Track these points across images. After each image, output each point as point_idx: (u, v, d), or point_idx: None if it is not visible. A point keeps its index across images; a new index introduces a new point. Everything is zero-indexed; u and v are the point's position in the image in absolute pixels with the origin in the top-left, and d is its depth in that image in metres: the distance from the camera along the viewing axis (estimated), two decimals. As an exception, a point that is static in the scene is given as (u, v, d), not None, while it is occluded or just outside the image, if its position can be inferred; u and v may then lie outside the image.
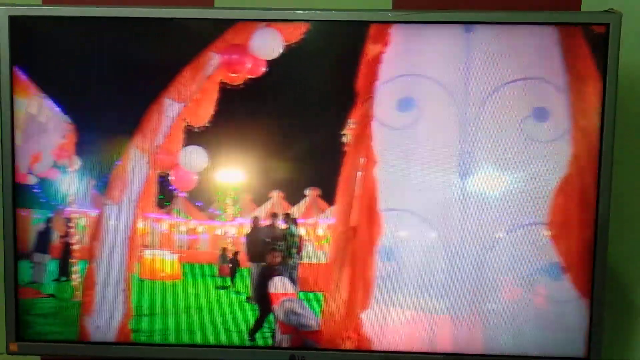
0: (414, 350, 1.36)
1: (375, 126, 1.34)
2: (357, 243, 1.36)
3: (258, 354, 1.39)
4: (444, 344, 1.37)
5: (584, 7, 1.53)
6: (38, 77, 1.34)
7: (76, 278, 1.41)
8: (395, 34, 1.31)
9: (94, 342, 1.39)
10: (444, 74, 1.32)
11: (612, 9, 1.23)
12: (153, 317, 1.39)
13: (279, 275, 1.39)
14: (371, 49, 1.32)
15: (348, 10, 1.34)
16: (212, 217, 1.43)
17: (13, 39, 1.31)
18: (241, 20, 1.31)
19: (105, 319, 1.38)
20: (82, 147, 1.36)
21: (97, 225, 1.38)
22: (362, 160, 1.35)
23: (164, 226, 1.43)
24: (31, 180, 1.39)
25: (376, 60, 1.32)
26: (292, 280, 1.39)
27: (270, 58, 1.32)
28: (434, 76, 1.32)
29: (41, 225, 1.43)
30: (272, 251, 1.40)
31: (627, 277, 1.66)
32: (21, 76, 1.33)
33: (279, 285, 1.38)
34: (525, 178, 1.33)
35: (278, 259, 1.39)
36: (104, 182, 1.37)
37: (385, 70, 1.33)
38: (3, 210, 1.39)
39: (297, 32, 1.31)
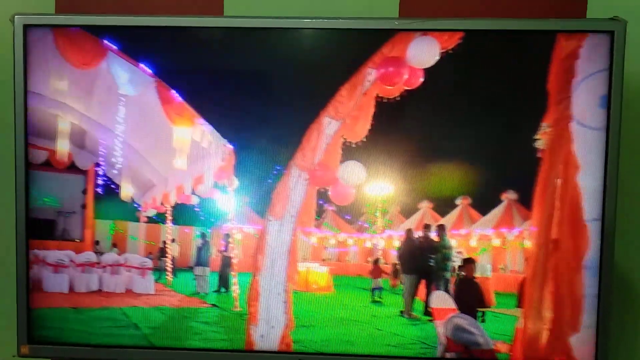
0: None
1: (574, 128, 1.26)
2: (560, 257, 1.28)
3: (266, 359, 1.40)
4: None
5: (589, 15, 1.52)
6: (199, 105, 1.43)
7: (236, 289, 1.50)
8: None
9: (101, 345, 1.44)
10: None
11: (616, 16, 1.22)
12: (311, 328, 1.43)
13: (440, 289, 1.37)
14: (565, 45, 1.25)
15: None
16: (361, 230, 1.45)
17: (24, 51, 1.38)
18: (400, 30, 1.32)
19: (269, 329, 1.43)
20: (240, 168, 1.44)
21: (260, 240, 1.44)
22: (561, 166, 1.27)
23: (315, 239, 1.47)
24: (194, 200, 1.50)
25: (572, 56, 1.25)
26: (458, 295, 1.37)
27: (427, 66, 1.32)
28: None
29: (201, 241, 1.54)
30: (428, 263, 1.38)
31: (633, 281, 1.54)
32: (186, 106, 1.43)
33: (442, 300, 1.36)
34: None
35: (437, 271, 1.38)
36: (263, 199, 1.44)
37: (582, 66, 1.25)
38: (16, 220, 1.47)
39: (454, 38, 1.29)
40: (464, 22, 1.30)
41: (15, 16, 1.40)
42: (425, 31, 1.30)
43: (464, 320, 1.32)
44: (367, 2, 1.59)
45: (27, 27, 1.39)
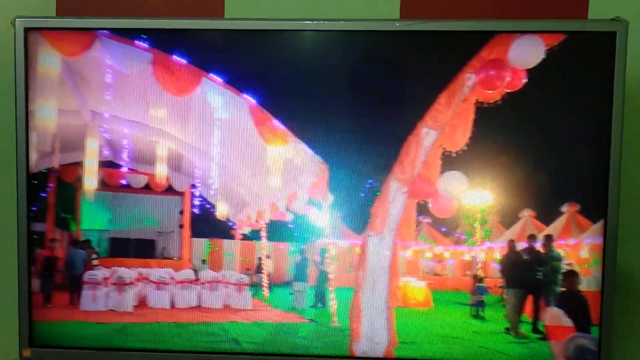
0: None
1: None
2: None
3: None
4: None
5: (590, 16, 1.52)
6: (291, 123, 1.44)
7: (333, 305, 1.50)
8: None
9: (104, 348, 1.45)
10: None
11: (618, 17, 1.22)
12: (414, 345, 1.40)
13: (551, 304, 1.30)
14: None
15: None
16: (458, 242, 1.40)
17: (27, 50, 1.37)
18: (500, 32, 1.28)
19: (372, 346, 1.42)
20: (334, 183, 1.43)
21: (361, 255, 1.42)
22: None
23: (410, 253, 1.45)
24: (288, 217, 1.52)
25: None
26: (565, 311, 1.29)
27: (531, 66, 1.27)
28: None
29: (299, 257, 1.55)
30: (534, 277, 1.32)
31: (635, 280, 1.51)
32: (278, 126, 1.45)
33: (554, 317, 1.29)
34: None
35: (546, 285, 1.31)
36: (358, 214, 1.43)
37: None
38: (17, 229, 1.47)
39: (559, 35, 1.25)
40: (466, 24, 1.29)
41: (16, 19, 1.39)
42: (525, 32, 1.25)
43: (589, 341, 1.24)
44: (368, 3, 1.58)
45: (27, 30, 1.38)
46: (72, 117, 1.51)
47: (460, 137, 1.31)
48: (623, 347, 1.53)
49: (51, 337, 1.49)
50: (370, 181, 1.41)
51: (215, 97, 1.43)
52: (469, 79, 1.29)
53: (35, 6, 1.70)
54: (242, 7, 1.68)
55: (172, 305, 1.61)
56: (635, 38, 1.25)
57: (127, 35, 1.42)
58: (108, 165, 1.55)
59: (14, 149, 1.45)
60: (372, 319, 1.41)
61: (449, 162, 1.33)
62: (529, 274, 1.33)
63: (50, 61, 1.44)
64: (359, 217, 1.42)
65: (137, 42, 1.43)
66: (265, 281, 1.61)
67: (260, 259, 1.60)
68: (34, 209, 1.61)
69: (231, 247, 1.59)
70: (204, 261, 1.62)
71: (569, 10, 1.52)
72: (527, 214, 1.32)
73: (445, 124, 1.32)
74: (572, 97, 1.28)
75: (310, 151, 1.43)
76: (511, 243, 1.34)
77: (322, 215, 1.47)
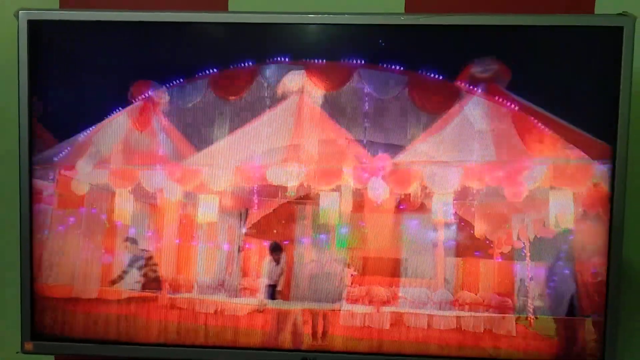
0: None
1: None
2: None
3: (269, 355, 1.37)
4: None
5: (597, 11, 1.50)
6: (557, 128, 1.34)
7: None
8: None
9: (106, 342, 1.40)
10: None
11: (625, 12, 1.23)
12: None
13: None
14: None
15: None
16: None
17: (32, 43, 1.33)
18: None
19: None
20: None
21: None
22: None
23: None
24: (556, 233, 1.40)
25: None
26: None
27: None
28: None
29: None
30: None
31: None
32: (546, 132, 1.35)
33: None
34: None
35: None
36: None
37: None
38: (20, 216, 1.40)
39: None
40: (472, 18, 1.29)
41: (20, 11, 1.37)
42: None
43: None
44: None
45: (31, 23, 1.36)
46: (329, 146, 1.64)
47: None
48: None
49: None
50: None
51: (475, 109, 1.40)
52: None
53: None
54: (246, 1, 1.67)
55: (429, 326, 1.59)
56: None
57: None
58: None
59: (16, 142, 1.42)
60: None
61: None
62: None
63: (313, 97, 1.59)
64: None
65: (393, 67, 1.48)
66: (529, 306, 1.48)
67: (522, 280, 1.49)
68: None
69: (488, 267, 1.52)
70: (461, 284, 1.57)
71: (576, 4, 1.50)
72: None
73: None
74: None
75: (586, 157, 1.30)
76: None
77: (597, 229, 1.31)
